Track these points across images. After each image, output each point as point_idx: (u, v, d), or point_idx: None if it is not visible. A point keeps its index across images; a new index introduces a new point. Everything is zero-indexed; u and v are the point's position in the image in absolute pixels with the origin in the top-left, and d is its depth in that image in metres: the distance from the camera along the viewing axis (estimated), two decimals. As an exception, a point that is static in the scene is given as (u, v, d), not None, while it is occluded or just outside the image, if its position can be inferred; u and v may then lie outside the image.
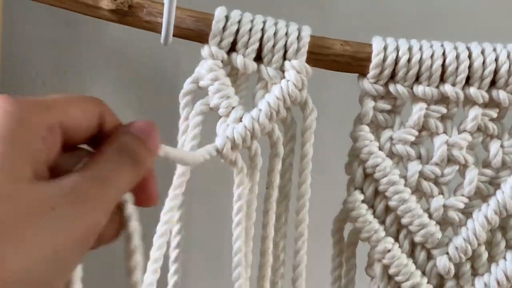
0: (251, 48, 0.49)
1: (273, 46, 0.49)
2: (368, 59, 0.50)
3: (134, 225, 0.37)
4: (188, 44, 0.50)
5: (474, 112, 0.50)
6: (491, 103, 0.50)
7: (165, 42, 0.48)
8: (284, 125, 0.51)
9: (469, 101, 0.50)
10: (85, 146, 0.38)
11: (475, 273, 0.51)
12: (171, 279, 0.51)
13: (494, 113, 0.50)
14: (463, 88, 0.50)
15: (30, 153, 0.33)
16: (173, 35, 0.48)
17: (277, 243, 0.52)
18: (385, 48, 0.49)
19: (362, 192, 0.51)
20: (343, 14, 0.83)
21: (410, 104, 0.51)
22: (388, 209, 0.51)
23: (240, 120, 0.49)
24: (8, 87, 0.84)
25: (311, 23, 0.51)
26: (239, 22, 0.49)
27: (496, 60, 0.49)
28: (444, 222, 0.51)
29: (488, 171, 0.51)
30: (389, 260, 0.51)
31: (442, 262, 0.51)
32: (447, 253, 0.51)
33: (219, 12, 0.49)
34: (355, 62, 0.50)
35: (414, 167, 0.50)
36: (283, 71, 0.49)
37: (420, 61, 0.49)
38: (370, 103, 0.50)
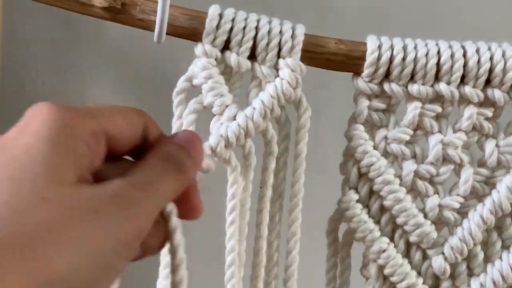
0: (245, 46, 0.49)
1: (267, 44, 0.49)
2: (363, 58, 0.49)
3: (179, 238, 0.38)
4: (188, 45, 0.50)
5: (469, 111, 0.50)
6: (486, 102, 0.50)
7: (159, 40, 0.48)
8: (278, 124, 0.51)
9: (464, 100, 0.50)
10: (129, 158, 0.39)
11: (471, 273, 0.51)
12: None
13: (489, 112, 0.50)
14: (458, 87, 0.49)
15: (74, 157, 0.34)
16: (167, 33, 0.48)
17: (271, 242, 0.51)
18: (379, 47, 0.49)
19: (357, 191, 0.51)
20: (339, 13, 0.83)
21: (405, 103, 0.50)
22: (383, 209, 0.51)
23: (234, 118, 0.49)
24: (8, 87, 0.84)
25: (307, 22, 0.50)
26: (232, 20, 0.49)
27: (491, 59, 0.49)
28: (439, 222, 0.51)
29: (484, 171, 0.50)
30: (384, 260, 0.50)
31: (437, 262, 0.51)
32: (443, 253, 0.51)
33: (213, 10, 0.49)
34: (349, 61, 0.50)
35: (409, 166, 0.50)
36: (277, 70, 0.49)
37: (415, 60, 0.49)
38: (364, 102, 0.50)
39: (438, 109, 0.50)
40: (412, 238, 0.50)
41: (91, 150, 0.35)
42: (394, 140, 0.50)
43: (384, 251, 0.50)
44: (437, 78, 0.49)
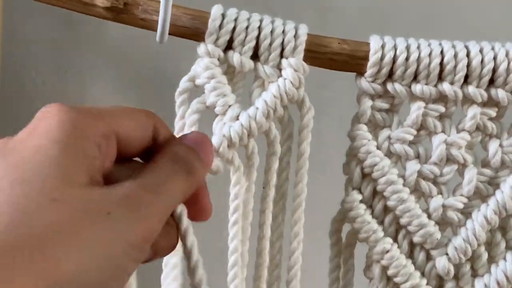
0: (248, 46, 0.49)
1: (270, 44, 0.49)
2: (366, 58, 0.49)
3: (192, 239, 0.38)
4: (188, 44, 0.49)
5: (473, 111, 0.50)
6: (489, 102, 0.50)
7: (161, 40, 0.48)
8: (281, 124, 0.51)
9: (468, 100, 0.50)
10: (139, 160, 0.39)
11: (475, 274, 0.51)
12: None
13: (493, 112, 0.50)
14: (461, 87, 0.49)
15: (85, 159, 0.34)
16: (169, 33, 0.48)
17: (274, 243, 0.51)
18: (382, 47, 0.49)
19: (360, 192, 0.51)
20: (339, 13, 0.83)
21: (408, 103, 0.50)
22: (386, 209, 0.51)
23: (237, 118, 0.48)
24: (8, 87, 0.84)
25: (309, 22, 0.50)
26: (235, 20, 0.49)
27: (495, 58, 0.49)
28: (443, 222, 0.51)
29: (487, 171, 0.50)
30: (388, 261, 0.50)
31: (441, 263, 0.50)
32: (447, 254, 0.50)
33: (216, 10, 0.49)
34: (352, 61, 0.50)
35: (413, 166, 0.50)
36: (280, 69, 0.49)
37: (418, 60, 0.49)
38: (368, 102, 0.50)
39: (442, 109, 0.50)
40: (416, 239, 0.50)
41: (101, 152, 0.35)
42: (397, 140, 0.50)
43: (387, 251, 0.50)
44: (440, 78, 0.49)
